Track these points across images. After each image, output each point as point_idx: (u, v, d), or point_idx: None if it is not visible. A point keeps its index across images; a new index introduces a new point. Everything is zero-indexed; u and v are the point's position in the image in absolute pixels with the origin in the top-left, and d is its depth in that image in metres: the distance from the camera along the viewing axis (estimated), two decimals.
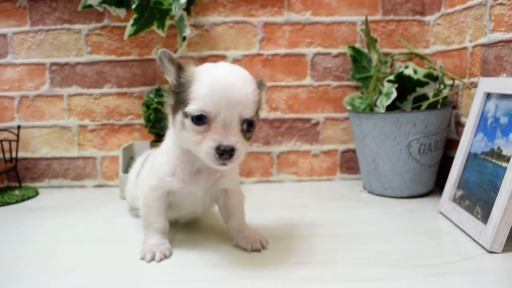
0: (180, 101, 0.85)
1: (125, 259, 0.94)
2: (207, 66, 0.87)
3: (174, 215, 1.05)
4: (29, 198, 1.43)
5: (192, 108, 0.81)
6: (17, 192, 1.45)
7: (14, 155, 1.51)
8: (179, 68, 0.87)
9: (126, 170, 1.42)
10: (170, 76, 0.89)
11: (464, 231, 1.03)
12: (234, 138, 0.81)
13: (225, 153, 0.80)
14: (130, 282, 0.83)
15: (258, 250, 0.95)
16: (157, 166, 0.96)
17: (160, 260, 0.91)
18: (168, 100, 0.90)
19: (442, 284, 0.79)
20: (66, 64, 1.52)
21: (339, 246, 0.98)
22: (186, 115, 0.83)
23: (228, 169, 0.90)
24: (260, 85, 0.89)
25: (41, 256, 0.96)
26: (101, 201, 1.40)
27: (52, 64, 1.52)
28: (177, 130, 0.88)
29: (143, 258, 0.92)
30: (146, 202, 0.98)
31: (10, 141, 1.51)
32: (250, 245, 0.96)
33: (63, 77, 1.52)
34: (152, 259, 0.91)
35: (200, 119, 0.81)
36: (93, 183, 1.57)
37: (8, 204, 1.37)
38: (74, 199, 1.43)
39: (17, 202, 1.39)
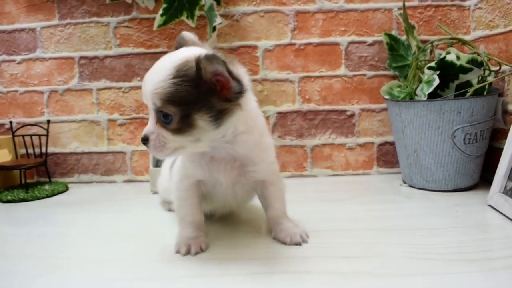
0: None
1: (159, 252, 0.90)
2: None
3: (208, 207, 1.01)
4: (59, 193, 1.42)
5: None
6: (47, 187, 1.43)
7: (44, 150, 1.50)
8: None
9: (156, 163, 1.40)
10: None
11: None
12: (149, 128, 0.80)
13: (142, 141, 0.81)
14: (165, 275, 0.79)
15: (298, 244, 0.90)
16: (183, 157, 0.93)
17: (196, 253, 0.87)
18: None
19: (503, 279, 0.73)
20: (95, 57, 1.50)
21: (385, 239, 0.92)
22: None
23: (246, 154, 0.87)
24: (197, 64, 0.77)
25: (76, 249, 0.94)
26: (131, 196, 1.38)
27: (81, 57, 1.50)
28: None
29: (178, 252, 0.88)
30: (178, 193, 0.94)
31: (40, 136, 1.49)
32: (289, 238, 0.91)
33: (92, 70, 1.50)
34: (188, 252, 0.87)
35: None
36: (122, 178, 1.54)
37: (38, 198, 1.36)
38: (104, 194, 1.42)
39: (47, 196, 1.38)
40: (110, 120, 1.52)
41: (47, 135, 1.48)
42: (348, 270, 0.78)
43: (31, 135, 1.49)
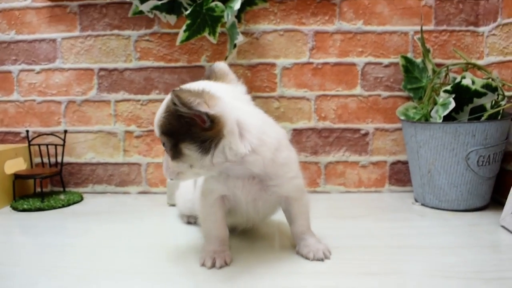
0: None
1: (183, 265, 0.91)
2: None
3: (231, 221, 1.02)
4: (74, 202, 1.43)
5: None
6: (62, 196, 1.44)
7: (59, 159, 1.52)
8: None
9: None
10: None
11: None
12: (164, 156, 0.90)
13: None
14: None
15: (320, 260, 0.92)
16: None
17: (221, 266, 0.88)
18: None
19: None
20: (114, 69, 1.52)
21: (404, 257, 0.94)
22: None
23: (266, 172, 0.89)
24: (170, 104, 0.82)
25: (97, 260, 0.95)
26: (147, 208, 1.39)
27: (101, 69, 1.52)
28: None
29: (203, 264, 0.89)
30: (203, 208, 0.96)
31: (56, 145, 1.51)
32: (312, 254, 0.93)
33: (110, 82, 1.52)
34: (213, 265, 0.88)
35: None
36: (137, 190, 1.55)
37: (54, 208, 1.37)
38: (119, 205, 1.42)
39: (63, 206, 1.39)
40: (127, 132, 1.53)
41: (63, 145, 1.50)
42: (372, 286, 0.80)
43: (47, 145, 1.51)
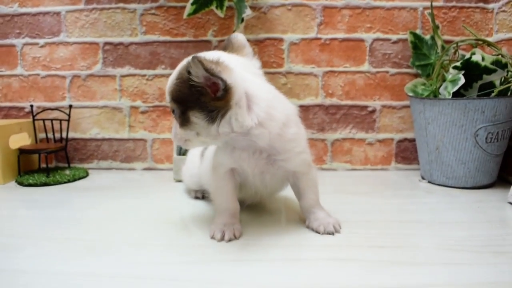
0: None
1: (191, 237, 0.92)
2: None
3: (240, 195, 1.01)
4: (80, 178, 1.43)
5: None
6: (67, 172, 1.44)
7: (64, 135, 1.51)
8: None
9: (180, 152, 1.41)
10: None
11: None
12: (174, 123, 0.91)
13: None
14: (203, 259, 0.81)
15: (331, 233, 0.92)
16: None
17: (229, 239, 0.88)
18: None
19: None
20: (120, 44, 1.50)
21: (413, 231, 0.95)
22: None
23: (273, 145, 0.89)
24: (182, 71, 0.83)
25: (104, 233, 0.94)
26: (154, 183, 1.38)
27: (106, 43, 1.50)
28: None
29: (212, 237, 0.89)
30: (213, 182, 0.96)
31: (60, 120, 1.50)
32: (323, 227, 0.92)
33: (116, 57, 1.51)
34: (222, 238, 0.89)
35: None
36: (142, 166, 1.55)
37: (60, 183, 1.36)
38: (125, 181, 1.42)
39: (68, 181, 1.39)
40: (132, 107, 1.52)
41: (68, 120, 1.49)
42: (384, 258, 0.80)
43: (51, 120, 1.50)
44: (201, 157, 1.12)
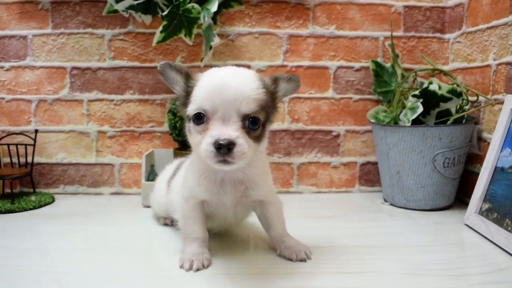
0: (185, 107, 0.86)
1: (159, 267, 0.93)
2: (211, 70, 0.87)
3: (208, 225, 1.02)
4: (46, 204, 1.40)
5: (191, 108, 0.83)
6: (33, 198, 1.41)
7: (29, 159, 1.48)
8: (187, 77, 0.88)
9: (148, 177, 1.41)
10: (178, 86, 0.90)
11: (494, 243, 1.06)
12: (233, 133, 0.79)
13: (222, 147, 0.77)
14: None
15: (303, 260, 0.95)
16: (187, 176, 0.97)
17: (198, 269, 0.90)
18: (181, 111, 0.91)
19: None
20: (88, 68, 1.50)
21: (377, 256, 0.99)
22: (188, 118, 0.84)
23: (251, 178, 0.92)
24: (274, 81, 0.90)
25: (74, 263, 0.94)
26: (122, 209, 1.38)
27: (73, 68, 1.50)
28: (188, 138, 0.89)
29: (181, 267, 0.91)
30: (183, 213, 0.97)
31: (26, 145, 1.47)
32: (295, 255, 0.96)
33: (83, 81, 1.50)
34: (190, 268, 0.90)
35: (198, 118, 0.82)
36: (110, 191, 1.54)
37: (25, 210, 1.33)
38: (92, 206, 1.41)
39: (34, 208, 1.36)
40: (100, 132, 1.52)
41: (34, 145, 1.46)
42: (350, 285, 0.84)
43: (16, 144, 1.47)
44: (168, 186, 1.13)
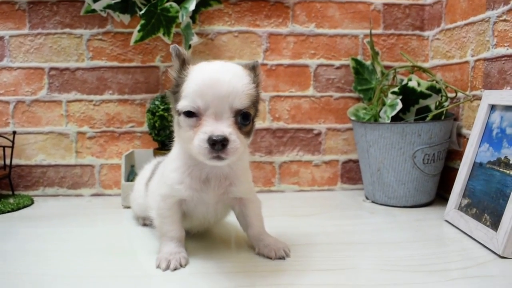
0: (176, 100, 0.86)
1: (137, 268, 0.91)
2: (201, 64, 0.87)
3: (186, 225, 1.02)
4: (24, 206, 1.38)
5: (182, 104, 0.82)
6: (11, 200, 1.39)
7: (7, 161, 1.46)
8: (182, 64, 0.87)
9: (127, 178, 1.40)
10: (173, 71, 0.89)
11: (473, 238, 1.06)
12: (226, 129, 0.80)
13: (216, 143, 0.78)
14: None
15: (282, 258, 0.95)
16: (166, 174, 0.95)
17: (175, 268, 0.89)
18: (171, 101, 0.91)
19: None
20: (66, 69, 1.48)
21: (355, 253, 0.99)
22: (179, 113, 0.84)
23: (236, 173, 0.93)
24: (253, 69, 0.90)
25: (50, 266, 0.93)
26: (101, 210, 1.37)
27: (51, 68, 1.48)
28: (177, 132, 0.89)
29: (158, 267, 0.90)
30: (160, 211, 0.96)
31: (4, 147, 1.45)
32: (274, 253, 0.95)
33: (62, 82, 1.49)
34: (167, 267, 0.89)
35: (190, 114, 0.82)
36: (90, 192, 1.53)
37: (3, 212, 1.31)
38: (72, 208, 1.39)
39: (12, 210, 1.34)
40: (79, 133, 1.50)
41: (12, 147, 1.44)
42: (327, 282, 0.84)
43: None
44: (146, 186, 1.12)
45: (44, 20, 1.47)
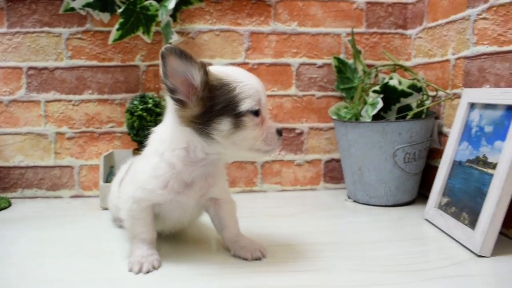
0: (224, 105, 0.83)
1: (111, 271, 0.90)
2: (228, 69, 0.90)
3: (158, 226, 0.99)
4: (1, 209, 1.36)
5: (250, 105, 0.85)
6: None
7: None
8: (206, 71, 0.84)
9: (106, 179, 1.38)
10: (196, 79, 0.83)
11: (451, 237, 1.06)
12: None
13: (281, 134, 0.92)
14: None
15: (258, 259, 0.94)
16: (143, 178, 0.91)
17: (148, 271, 0.87)
18: (189, 110, 0.85)
19: (439, 287, 0.81)
20: (45, 68, 1.46)
21: (334, 253, 0.98)
22: (241, 114, 0.83)
23: (218, 171, 0.95)
24: None
25: (24, 270, 0.91)
26: (80, 212, 1.34)
27: (30, 68, 1.46)
28: (223, 136, 0.85)
29: (130, 270, 0.88)
30: (132, 213, 0.93)
31: None
32: (250, 254, 0.94)
33: (40, 82, 1.46)
34: (140, 270, 0.87)
35: (258, 113, 0.87)
36: (69, 194, 1.50)
37: None
38: (50, 210, 1.37)
39: None
40: (58, 133, 1.48)
41: None
42: (301, 284, 0.82)
43: None
44: (119, 187, 1.09)
45: (22, 19, 1.45)
